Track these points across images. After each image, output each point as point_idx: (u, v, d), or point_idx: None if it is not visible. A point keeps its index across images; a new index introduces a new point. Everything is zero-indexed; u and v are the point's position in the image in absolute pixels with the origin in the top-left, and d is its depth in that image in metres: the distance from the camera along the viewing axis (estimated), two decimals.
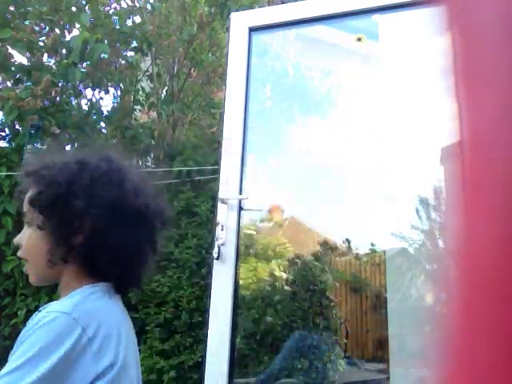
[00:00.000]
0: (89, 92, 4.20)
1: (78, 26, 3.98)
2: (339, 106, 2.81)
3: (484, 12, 0.31)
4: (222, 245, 1.87)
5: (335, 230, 5.17)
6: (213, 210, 3.27)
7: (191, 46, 4.20)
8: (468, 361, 0.28)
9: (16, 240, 0.91)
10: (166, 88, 4.48)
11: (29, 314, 3.56)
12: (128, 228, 0.88)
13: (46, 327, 0.75)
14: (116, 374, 0.79)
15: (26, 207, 0.90)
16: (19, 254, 0.90)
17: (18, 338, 0.78)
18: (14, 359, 0.74)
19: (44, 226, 0.87)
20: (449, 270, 0.32)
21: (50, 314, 0.77)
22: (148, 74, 4.47)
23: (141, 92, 4.49)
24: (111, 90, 4.30)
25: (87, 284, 0.87)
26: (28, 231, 0.90)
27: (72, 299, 0.83)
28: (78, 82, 3.69)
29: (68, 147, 4.20)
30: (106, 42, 3.90)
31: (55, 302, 0.83)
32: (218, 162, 2.11)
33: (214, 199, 3.21)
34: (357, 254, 5.74)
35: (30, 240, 0.89)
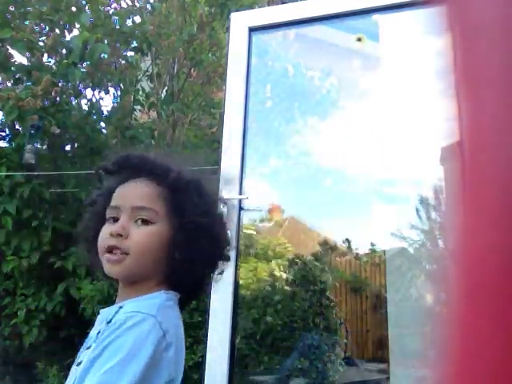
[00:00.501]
0: (89, 92, 4.21)
1: (78, 26, 3.98)
2: (339, 106, 2.81)
3: (484, 12, 0.31)
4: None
5: (335, 230, 5.17)
6: None
7: (191, 46, 4.20)
8: (468, 361, 0.28)
9: (119, 231, 0.84)
10: (166, 88, 4.48)
11: (29, 314, 3.56)
12: (207, 246, 0.88)
13: (135, 328, 0.74)
14: None
15: (150, 203, 0.86)
16: (123, 245, 0.83)
17: (103, 337, 0.75)
18: (105, 360, 0.72)
19: (171, 225, 0.86)
20: (449, 270, 0.32)
21: (136, 314, 0.76)
22: (148, 74, 4.47)
23: (141, 92, 4.49)
24: (111, 90, 4.31)
25: (161, 289, 0.86)
26: (147, 228, 0.85)
27: (153, 301, 0.82)
28: (78, 82, 3.69)
29: (68, 147, 4.21)
30: (105, 42, 3.90)
31: (132, 300, 0.82)
32: (218, 162, 2.11)
33: None
34: (357, 254, 5.74)
35: (148, 236, 0.84)
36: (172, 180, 0.88)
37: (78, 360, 0.81)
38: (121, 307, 0.80)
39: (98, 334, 0.80)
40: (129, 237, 0.84)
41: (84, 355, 0.79)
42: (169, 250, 0.85)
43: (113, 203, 0.89)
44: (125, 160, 0.93)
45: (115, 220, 0.87)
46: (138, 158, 0.93)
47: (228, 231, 0.92)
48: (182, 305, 0.90)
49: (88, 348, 0.80)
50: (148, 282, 0.87)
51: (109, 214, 0.88)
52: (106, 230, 0.86)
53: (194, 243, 0.85)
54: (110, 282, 3.04)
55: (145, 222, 0.85)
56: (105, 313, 0.86)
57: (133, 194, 0.88)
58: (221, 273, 0.93)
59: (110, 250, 0.84)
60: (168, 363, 0.77)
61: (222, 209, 0.93)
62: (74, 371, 0.80)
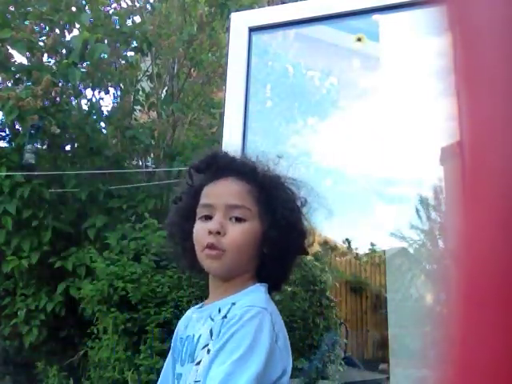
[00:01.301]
0: (89, 92, 4.21)
1: (78, 26, 3.99)
2: (339, 106, 2.81)
3: (484, 12, 0.31)
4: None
5: (335, 230, 5.16)
6: None
7: (191, 46, 4.20)
8: (468, 361, 0.28)
9: (218, 228, 0.86)
10: (166, 88, 4.48)
11: (29, 313, 3.56)
12: (293, 241, 0.91)
13: (253, 321, 0.77)
14: (286, 382, 0.81)
15: (243, 201, 0.88)
16: (221, 243, 0.86)
17: (224, 331, 0.78)
18: (229, 352, 0.75)
19: (262, 222, 0.88)
20: (449, 270, 0.32)
21: (252, 308, 0.79)
22: (148, 74, 4.47)
23: (141, 92, 4.49)
24: (111, 90, 4.31)
25: (255, 283, 0.90)
26: (241, 225, 0.87)
27: (258, 294, 0.85)
28: (78, 82, 3.69)
29: (68, 147, 4.21)
30: (105, 42, 3.90)
31: (238, 295, 0.85)
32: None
33: None
34: (357, 254, 5.75)
35: (243, 234, 0.87)
36: (261, 178, 0.91)
37: (196, 359, 0.83)
38: (233, 303, 0.82)
39: (210, 330, 0.82)
40: (226, 234, 0.86)
41: (202, 354, 0.82)
42: (260, 245, 0.88)
43: (205, 201, 0.90)
44: (213, 159, 0.94)
45: (208, 218, 0.89)
46: (225, 158, 0.94)
47: (305, 222, 0.94)
48: (273, 289, 0.94)
49: (205, 347, 0.82)
50: (242, 277, 0.89)
51: (201, 212, 0.90)
52: (203, 227, 0.88)
53: (283, 239, 0.88)
54: (109, 283, 3.05)
55: (238, 219, 0.87)
56: (208, 310, 0.88)
57: (226, 192, 0.90)
58: (298, 265, 0.98)
59: (209, 247, 0.86)
60: (280, 354, 0.80)
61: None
62: (194, 371, 0.82)
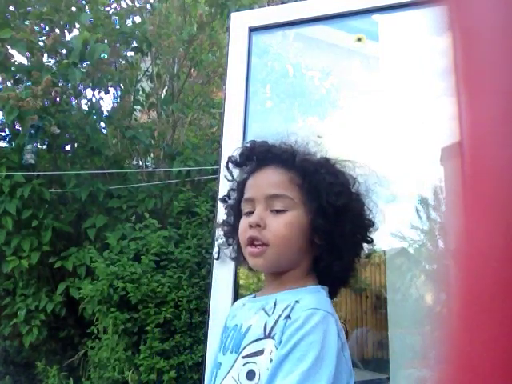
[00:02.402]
0: (89, 92, 4.21)
1: (78, 26, 3.98)
2: (339, 106, 2.81)
3: (484, 12, 0.31)
4: (222, 245, 1.87)
5: None
6: (213, 210, 3.27)
7: (191, 46, 4.20)
8: (468, 361, 0.28)
9: (257, 221, 0.82)
10: (166, 88, 4.48)
11: (29, 314, 3.56)
12: (348, 228, 0.84)
13: (319, 327, 0.72)
14: None
15: (283, 190, 0.83)
16: (262, 235, 0.81)
17: (288, 336, 0.72)
18: (296, 361, 0.69)
19: (308, 210, 0.83)
20: (449, 270, 0.32)
21: (317, 311, 0.73)
22: (148, 74, 4.47)
23: (141, 92, 4.49)
24: (111, 90, 4.30)
25: (313, 283, 0.84)
26: (284, 216, 0.82)
27: (321, 296, 0.81)
28: (78, 82, 3.69)
29: (68, 147, 4.21)
30: (105, 42, 3.90)
31: (300, 292, 0.80)
32: (217, 162, 2.11)
33: (214, 199, 3.21)
34: None
35: (286, 225, 0.81)
36: (300, 163, 0.85)
37: (242, 352, 0.78)
38: (297, 301, 0.76)
39: (265, 325, 0.78)
40: (267, 227, 0.82)
41: (251, 348, 0.77)
42: (309, 236, 0.83)
43: (246, 196, 0.88)
44: (250, 150, 0.91)
45: (251, 213, 0.85)
46: (262, 147, 0.90)
47: (369, 210, 0.87)
48: (332, 294, 0.88)
49: (255, 341, 0.77)
50: (295, 271, 0.84)
51: (244, 207, 0.88)
52: (244, 222, 0.85)
53: (335, 227, 0.82)
54: (109, 283, 3.05)
55: (279, 210, 0.82)
56: (262, 301, 0.84)
57: (264, 183, 0.85)
58: (368, 256, 0.89)
59: (251, 241, 0.82)
60: (346, 363, 0.74)
61: (357, 186, 0.88)
62: (238, 364, 0.78)
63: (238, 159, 0.92)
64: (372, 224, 0.88)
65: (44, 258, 3.58)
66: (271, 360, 0.73)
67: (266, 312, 0.80)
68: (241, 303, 0.94)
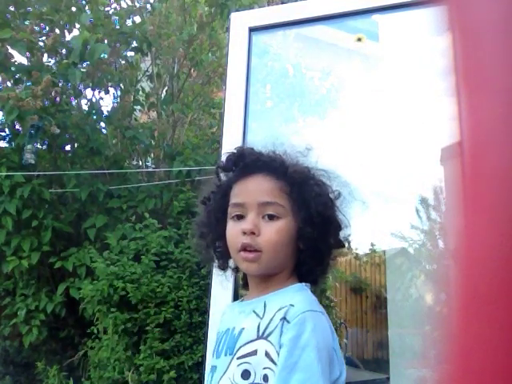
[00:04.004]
0: (89, 92, 4.21)
1: (78, 26, 3.98)
2: (339, 106, 2.81)
3: (484, 12, 0.31)
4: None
5: None
6: None
7: (191, 46, 4.20)
8: (468, 361, 0.28)
9: (252, 229, 0.84)
10: (166, 88, 4.48)
11: (29, 314, 3.56)
12: (328, 234, 0.89)
13: (317, 328, 0.76)
14: (343, 382, 0.81)
15: (275, 198, 0.86)
16: (257, 243, 0.84)
17: (289, 339, 0.75)
18: (303, 361, 0.73)
19: (296, 218, 0.86)
20: (449, 270, 0.32)
21: (313, 313, 0.78)
22: (148, 74, 4.47)
23: (141, 92, 4.49)
24: (111, 90, 4.30)
25: (293, 280, 0.88)
26: (276, 223, 0.85)
27: (307, 295, 0.84)
28: (78, 82, 3.69)
29: (68, 147, 4.21)
30: (105, 42, 3.90)
31: (291, 293, 0.83)
32: (217, 162, 2.11)
33: None
34: (357, 254, 5.74)
35: (278, 232, 0.85)
36: (291, 173, 0.88)
37: (236, 353, 0.81)
38: (292, 305, 0.79)
39: (258, 326, 0.81)
40: (260, 234, 0.85)
41: (246, 349, 0.80)
42: (296, 242, 0.86)
43: (236, 200, 0.89)
44: (239, 157, 0.92)
45: (240, 217, 0.87)
46: (252, 154, 0.92)
47: (343, 216, 0.91)
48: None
49: (249, 343, 0.80)
50: (281, 274, 0.88)
51: (233, 211, 0.89)
52: (236, 228, 0.86)
53: (319, 234, 0.86)
54: (109, 283, 3.05)
55: (271, 217, 0.85)
56: (251, 305, 0.87)
57: (257, 189, 0.87)
58: (333, 258, 0.93)
59: (244, 247, 0.84)
60: (337, 356, 0.79)
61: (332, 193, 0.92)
62: (234, 365, 0.81)
63: (226, 164, 0.94)
64: (347, 230, 0.92)
65: (44, 258, 3.58)
66: (272, 360, 0.77)
67: (257, 314, 0.83)
68: (230, 309, 0.97)
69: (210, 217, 0.95)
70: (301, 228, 0.86)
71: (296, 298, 0.81)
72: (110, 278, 3.05)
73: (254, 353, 0.79)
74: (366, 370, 4.34)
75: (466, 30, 0.32)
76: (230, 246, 0.88)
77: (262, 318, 0.82)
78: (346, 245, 0.93)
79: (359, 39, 2.35)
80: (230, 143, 2.07)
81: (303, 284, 0.87)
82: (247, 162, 0.90)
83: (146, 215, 3.54)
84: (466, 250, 0.30)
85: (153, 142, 4.26)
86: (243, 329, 0.83)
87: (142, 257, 3.19)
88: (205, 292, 2.95)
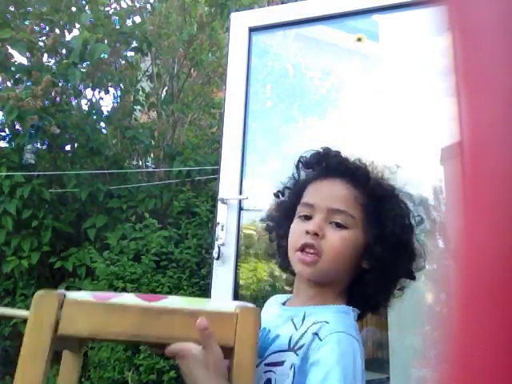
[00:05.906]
0: (89, 92, 4.20)
1: (78, 26, 3.98)
2: (339, 106, 2.81)
3: (484, 12, 0.31)
4: (222, 245, 1.88)
5: None
6: (213, 210, 3.27)
7: (191, 46, 4.20)
8: (468, 361, 0.28)
9: (316, 230, 0.80)
10: (166, 88, 4.48)
11: None
12: (399, 261, 0.83)
13: (348, 353, 0.72)
14: None
15: (347, 207, 0.82)
16: (318, 245, 0.80)
17: (316, 357, 0.71)
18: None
19: (366, 233, 0.82)
20: (449, 270, 0.32)
21: (347, 336, 0.73)
22: (148, 74, 4.47)
23: (141, 92, 4.49)
24: (111, 90, 4.30)
25: (343, 303, 0.83)
26: (342, 232, 0.81)
27: (349, 319, 0.79)
28: (78, 82, 3.69)
29: (68, 147, 4.21)
30: (105, 42, 3.90)
31: (332, 312, 0.79)
32: (218, 162, 2.11)
33: (214, 199, 3.21)
34: None
35: (343, 241, 0.80)
36: (373, 186, 0.84)
37: (266, 359, 0.78)
38: (327, 322, 0.75)
39: (290, 338, 0.77)
40: (324, 238, 0.81)
41: (274, 356, 0.77)
42: (358, 258, 0.81)
43: (307, 200, 0.85)
44: (323, 156, 0.89)
45: (307, 218, 0.84)
46: (337, 157, 0.88)
47: (419, 245, 0.84)
48: (360, 317, 0.85)
49: (280, 352, 0.77)
50: (333, 287, 0.83)
51: (301, 210, 0.85)
52: (300, 227, 0.83)
53: (389, 257, 0.80)
54: (109, 283, 3.05)
55: (339, 225, 0.81)
56: (291, 312, 0.83)
57: (330, 194, 0.84)
58: (401, 289, 0.86)
59: (303, 248, 0.81)
60: (363, 380, 0.74)
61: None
62: (258, 370, 0.77)
63: (309, 160, 0.91)
64: (420, 261, 0.85)
65: (44, 258, 3.58)
66: (294, 373, 0.74)
67: (294, 324, 0.80)
68: (273, 306, 0.92)
69: (280, 212, 0.92)
70: (370, 245, 0.81)
71: (335, 316, 0.77)
72: (110, 278, 3.04)
73: (281, 363, 0.76)
74: (366, 369, 4.34)
75: (466, 30, 0.32)
76: (290, 245, 0.84)
77: (297, 330, 0.78)
78: (414, 278, 0.85)
79: (359, 39, 2.35)
80: (229, 143, 2.07)
81: (350, 308, 0.82)
82: (330, 164, 0.87)
83: (146, 215, 3.53)
84: (465, 250, 0.30)
85: (153, 142, 4.26)
86: (278, 336, 0.80)
87: (142, 257, 3.19)
88: (205, 292, 2.95)
